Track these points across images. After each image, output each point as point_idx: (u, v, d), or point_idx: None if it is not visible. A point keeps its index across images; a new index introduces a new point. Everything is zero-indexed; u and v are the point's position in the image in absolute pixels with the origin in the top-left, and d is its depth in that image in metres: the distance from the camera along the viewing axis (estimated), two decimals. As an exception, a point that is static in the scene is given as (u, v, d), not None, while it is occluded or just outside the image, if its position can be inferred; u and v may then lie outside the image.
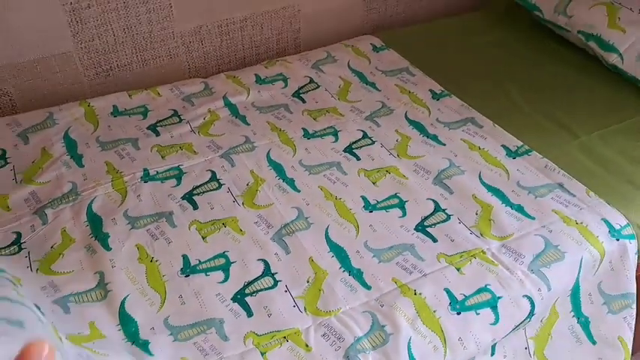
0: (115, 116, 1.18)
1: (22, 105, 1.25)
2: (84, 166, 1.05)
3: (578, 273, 0.91)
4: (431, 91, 1.27)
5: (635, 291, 0.96)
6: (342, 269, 0.87)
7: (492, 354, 0.85)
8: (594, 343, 0.94)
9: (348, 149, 1.11)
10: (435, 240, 0.93)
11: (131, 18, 1.25)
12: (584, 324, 0.94)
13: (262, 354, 0.75)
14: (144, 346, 0.76)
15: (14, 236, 0.90)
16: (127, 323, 0.79)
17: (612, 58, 1.27)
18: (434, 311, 0.82)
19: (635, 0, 1.31)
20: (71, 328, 0.76)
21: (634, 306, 0.95)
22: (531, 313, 0.85)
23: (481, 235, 0.94)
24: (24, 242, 0.89)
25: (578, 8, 1.33)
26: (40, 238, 0.90)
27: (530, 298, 0.85)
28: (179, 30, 1.31)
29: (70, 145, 1.10)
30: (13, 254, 0.87)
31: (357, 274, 0.87)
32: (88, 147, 1.10)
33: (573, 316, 0.93)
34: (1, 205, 0.95)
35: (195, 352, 0.75)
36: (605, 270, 0.94)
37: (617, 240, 0.94)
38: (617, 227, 0.95)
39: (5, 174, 1.03)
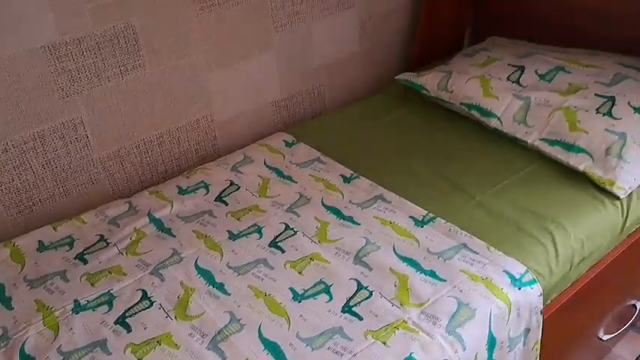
0: (40, 252, 1.19)
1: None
2: (13, 308, 1.05)
3: (489, 326, 0.99)
4: (342, 176, 1.37)
5: (538, 325, 1.06)
6: (279, 365, 0.91)
7: None
8: None
9: (273, 243, 1.18)
10: (360, 318, 0.98)
11: (49, 153, 1.30)
12: None
13: None
14: None
15: None
16: None
17: (493, 123, 1.44)
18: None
19: (502, 70, 1.52)
20: None
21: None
22: None
23: (401, 305, 1.01)
24: None
25: (456, 83, 1.52)
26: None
27: None
28: (98, 156, 1.38)
29: (-3, 289, 1.09)
30: None
31: (293, 367, 0.90)
32: (16, 288, 1.10)
33: None
34: None
35: None
36: (513, 318, 1.03)
37: (519, 289, 1.04)
38: (518, 276, 1.05)
39: None
